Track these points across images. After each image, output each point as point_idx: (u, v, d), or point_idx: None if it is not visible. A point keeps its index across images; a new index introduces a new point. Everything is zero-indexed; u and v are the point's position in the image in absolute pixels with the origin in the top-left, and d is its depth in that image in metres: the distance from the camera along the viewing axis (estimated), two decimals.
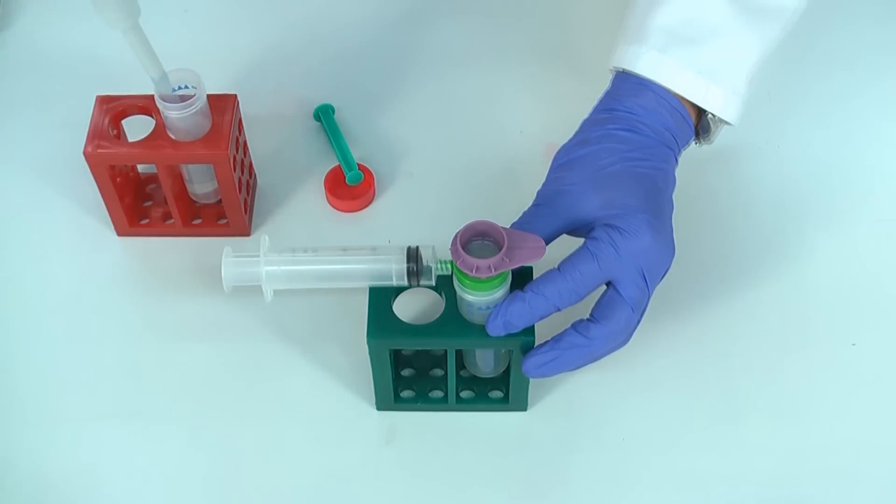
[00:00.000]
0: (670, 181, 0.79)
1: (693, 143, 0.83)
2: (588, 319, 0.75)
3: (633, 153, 0.78)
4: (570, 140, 0.81)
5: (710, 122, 0.82)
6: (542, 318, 0.74)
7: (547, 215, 0.77)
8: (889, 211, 0.92)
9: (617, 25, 0.85)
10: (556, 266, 0.74)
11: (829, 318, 0.86)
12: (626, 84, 0.81)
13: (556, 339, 0.75)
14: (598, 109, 0.81)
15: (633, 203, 0.75)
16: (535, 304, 0.73)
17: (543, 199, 0.78)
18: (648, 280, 0.75)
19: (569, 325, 0.75)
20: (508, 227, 0.75)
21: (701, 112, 0.82)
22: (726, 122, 0.82)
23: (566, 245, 0.76)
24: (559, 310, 0.74)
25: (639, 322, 0.76)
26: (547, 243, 0.74)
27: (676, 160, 0.81)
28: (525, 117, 0.97)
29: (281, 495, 0.79)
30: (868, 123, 0.97)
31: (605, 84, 0.83)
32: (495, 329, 0.74)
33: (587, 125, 0.81)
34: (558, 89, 0.99)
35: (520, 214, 0.78)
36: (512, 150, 0.96)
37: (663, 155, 0.79)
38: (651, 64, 0.80)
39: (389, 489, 0.79)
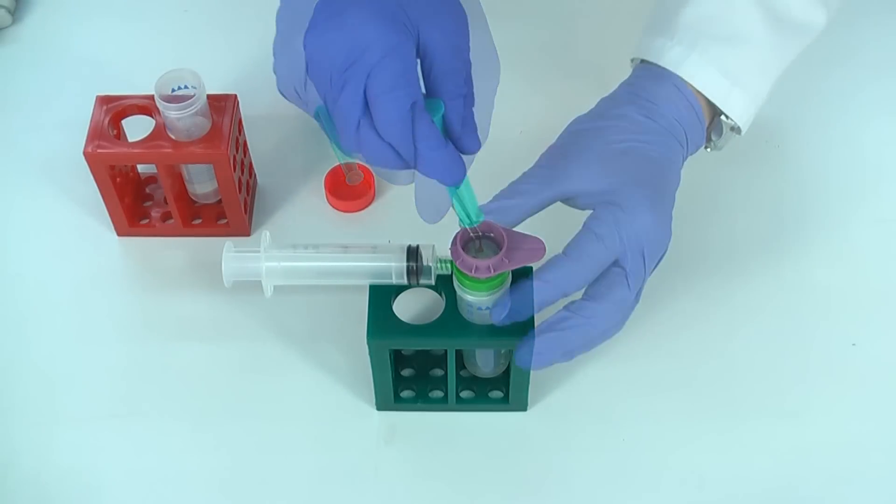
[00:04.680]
0: (676, 172, 0.79)
1: (703, 147, 0.83)
2: (583, 299, 0.74)
3: (644, 136, 0.78)
4: (586, 114, 0.81)
5: (724, 126, 0.82)
6: (549, 303, 0.73)
7: (547, 177, 0.77)
8: (889, 211, 0.92)
9: (618, 25, 0.85)
10: (561, 252, 0.74)
11: (828, 318, 0.86)
12: (649, 73, 0.81)
13: (549, 321, 0.74)
14: (618, 93, 0.82)
15: (635, 179, 0.75)
16: (543, 291, 0.73)
17: (547, 161, 0.78)
18: (647, 260, 0.74)
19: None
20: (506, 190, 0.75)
21: (712, 118, 0.82)
22: (737, 132, 0.82)
23: (565, 242, 0.76)
24: (566, 295, 0.74)
25: (634, 304, 0.76)
26: (543, 206, 0.73)
27: (683, 158, 0.81)
28: (525, 117, 0.97)
29: (281, 495, 0.78)
30: (868, 123, 0.97)
31: (605, 84, 0.83)
32: (500, 317, 0.73)
33: (605, 102, 0.81)
34: (558, 89, 0.99)
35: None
36: (512, 150, 0.95)
37: (673, 147, 0.79)
38: (677, 58, 0.80)
39: (389, 489, 0.79)
